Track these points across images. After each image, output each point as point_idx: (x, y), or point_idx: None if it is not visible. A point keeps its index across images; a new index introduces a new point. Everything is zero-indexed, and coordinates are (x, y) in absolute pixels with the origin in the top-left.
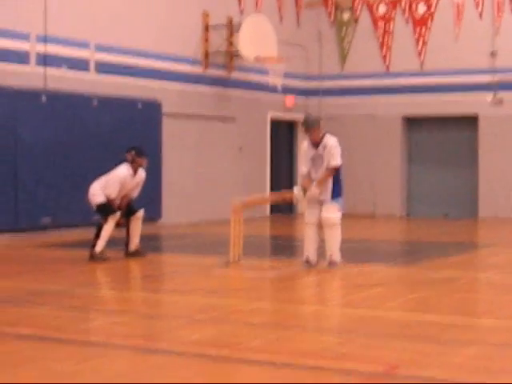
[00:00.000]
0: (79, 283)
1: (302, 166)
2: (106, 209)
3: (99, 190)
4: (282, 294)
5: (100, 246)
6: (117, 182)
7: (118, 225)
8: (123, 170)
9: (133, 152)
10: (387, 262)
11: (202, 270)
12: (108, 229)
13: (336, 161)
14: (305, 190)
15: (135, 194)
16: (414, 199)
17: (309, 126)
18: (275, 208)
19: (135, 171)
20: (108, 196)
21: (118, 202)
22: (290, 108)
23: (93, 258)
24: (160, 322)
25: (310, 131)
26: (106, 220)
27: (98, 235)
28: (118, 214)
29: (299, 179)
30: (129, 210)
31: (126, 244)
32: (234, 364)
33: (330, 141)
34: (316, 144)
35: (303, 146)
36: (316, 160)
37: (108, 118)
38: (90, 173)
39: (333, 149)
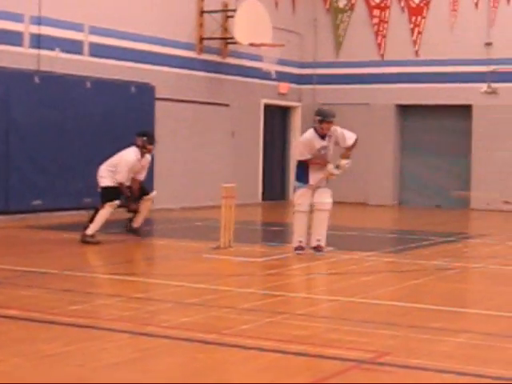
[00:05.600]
0: (68, 265)
1: (306, 154)
2: (108, 194)
3: (107, 173)
4: (272, 280)
5: (92, 229)
6: (126, 167)
7: (132, 211)
8: (131, 155)
9: (144, 138)
10: (378, 251)
11: (192, 255)
12: (104, 214)
13: (354, 135)
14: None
15: (142, 176)
16: (406, 188)
17: (330, 119)
18: (267, 195)
19: (142, 155)
20: (118, 181)
21: (127, 184)
22: (284, 93)
23: (83, 240)
24: (148, 306)
25: (329, 123)
26: (103, 205)
27: (92, 218)
28: (116, 203)
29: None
30: (141, 192)
31: (130, 220)
32: (222, 349)
33: (337, 129)
34: (323, 136)
35: (308, 136)
36: (322, 150)
37: (101, 101)
38: (81, 155)
39: (343, 131)
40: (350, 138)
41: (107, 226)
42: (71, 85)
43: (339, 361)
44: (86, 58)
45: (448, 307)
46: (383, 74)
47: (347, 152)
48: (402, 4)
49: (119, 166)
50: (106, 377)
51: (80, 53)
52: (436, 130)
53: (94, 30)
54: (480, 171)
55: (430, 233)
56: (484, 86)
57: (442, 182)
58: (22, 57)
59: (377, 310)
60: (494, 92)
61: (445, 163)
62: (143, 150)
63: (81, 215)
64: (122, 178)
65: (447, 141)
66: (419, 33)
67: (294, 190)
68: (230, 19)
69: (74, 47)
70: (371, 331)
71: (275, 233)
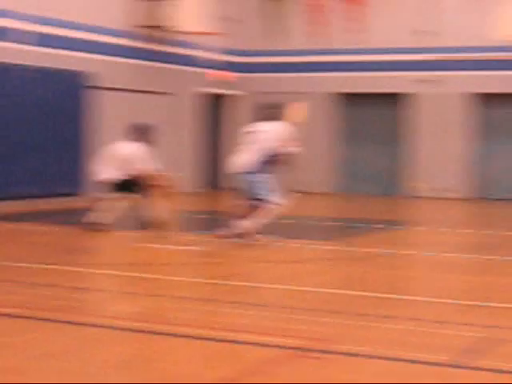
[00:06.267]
0: (6, 256)
1: None
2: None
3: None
4: (211, 268)
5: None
6: (144, 156)
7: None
8: (139, 148)
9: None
10: (317, 239)
11: (130, 244)
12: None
13: None
14: None
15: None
16: (349, 176)
17: None
18: (200, 183)
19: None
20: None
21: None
22: (219, 81)
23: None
24: (87, 296)
25: None
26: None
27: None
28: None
29: None
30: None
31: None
32: (163, 338)
33: None
34: None
35: None
36: None
37: (34, 90)
38: (14, 144)
39: None
40: None
41: (49, 215)
42: (3, 73)
43: (279, 348)
44: (16, 45)
45: (386, 294)
46: (321, 63)
47: None
48: None
49: (140, 160)
50: (40, 366)
51: (7, 40)
52: (376, 119)
53: (25, 17)
54: (421, 159)
55: (374, 220)
56: (420, 75)
57: (385, 169)
58: None
59: (314, 298)
60: (430, 80)
61: (386, 151)
62: (148, 142)
63: (19, 205)
64: (151, 164)
65: (387, 129)
66: (356, 21)
67: (264, 184)
68: (169, 7)
69: (4, 34)
70: (314, 319)
71: (212, 221)
